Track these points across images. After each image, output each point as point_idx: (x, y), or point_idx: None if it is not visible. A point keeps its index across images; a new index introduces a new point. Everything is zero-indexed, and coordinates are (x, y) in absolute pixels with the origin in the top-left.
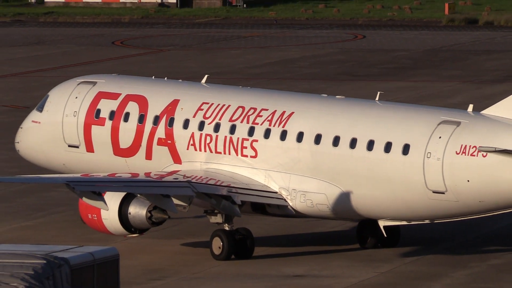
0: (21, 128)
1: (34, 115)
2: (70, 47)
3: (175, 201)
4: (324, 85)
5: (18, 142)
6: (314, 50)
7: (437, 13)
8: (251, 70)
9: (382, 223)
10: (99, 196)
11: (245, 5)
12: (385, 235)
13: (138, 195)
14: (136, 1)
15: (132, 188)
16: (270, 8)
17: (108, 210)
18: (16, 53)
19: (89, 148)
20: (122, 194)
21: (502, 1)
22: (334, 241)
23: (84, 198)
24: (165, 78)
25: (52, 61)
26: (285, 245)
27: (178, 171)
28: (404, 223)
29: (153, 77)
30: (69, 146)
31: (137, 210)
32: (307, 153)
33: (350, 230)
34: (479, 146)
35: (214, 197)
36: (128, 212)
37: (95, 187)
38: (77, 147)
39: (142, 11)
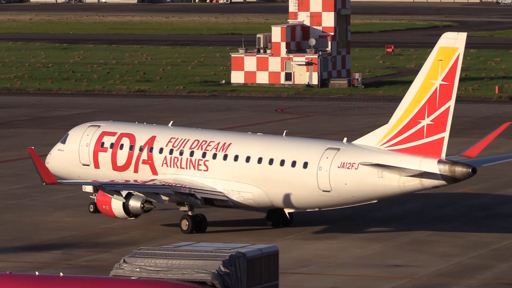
0: (50, 154)
1: (59, 146)
2: (247, 113)
3: (163, 197)
4: None
5: (48, 163)
6: None
7: (490, 92)
8: (367, 129)
9: (287, 211)
10: (118, 192)
11: (363, 86)
12: (289, 218)
13: (135, 193)
14: (291, 83)
15: (137, 189)
16: (379, 88)
17: (116, 202)
18: (212, 116)
19: (96, 166)
20: (125, 192)
21: None
22: (421, 243)
23: (112, 194)
24: (144, 123)
25: (235, 122)
26: (387, 244)
27: (155, 179)
28: (301, 210)
29: (136, 122)
30: (83, 165)
31: (134, 203)
32: (241, 168)
33: (431, 236)
34: (360, 162)
35: (184, 194)
36: (129, 204)
37: (116, 187)
38: (88, 165)
39: (295, 89)
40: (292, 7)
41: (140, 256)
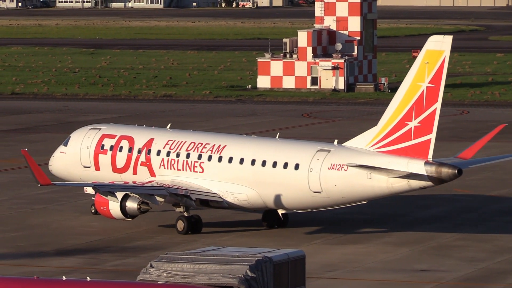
0: (53, 156)
1: (61, 148)
2: (273, 118)
3: (157, 198)
4: (440, 144)
5: (51, 165)
6: None
7: None
8: None
9: (280, 212)
10: (112, 194)
11: (389, 90)
12: (282, 219)
13: (132, 195)
14: (317, 87)
15: (131, 190)
16: None
17: (113, 204)
18: (238, 121)
19: (97, 168)
20: (122, 194)
21: None
22: (448, 247)
23: (106, 195)
24: (143, 125)
25: (262, 127)
26: (414, 248)
27: (153, 181)
28: (294, 211)
29: (136, 125)
30: (84, 167)
31: (131, 204)
32: (235, 169)
33: (457, 241)
34: (347, 163)
35: (179, 196)
36: (126, 205)
37: (111, 189)
38: (89, 167)
39: (321, 94)
40: (318, 11)
41: (167, 261)
